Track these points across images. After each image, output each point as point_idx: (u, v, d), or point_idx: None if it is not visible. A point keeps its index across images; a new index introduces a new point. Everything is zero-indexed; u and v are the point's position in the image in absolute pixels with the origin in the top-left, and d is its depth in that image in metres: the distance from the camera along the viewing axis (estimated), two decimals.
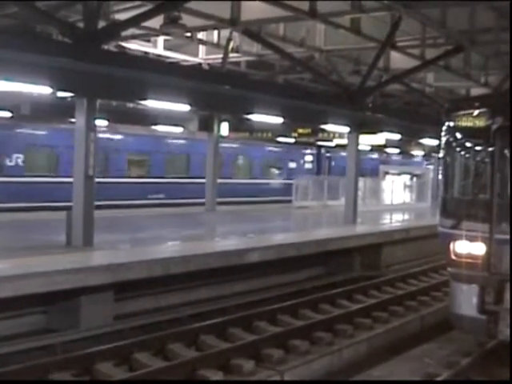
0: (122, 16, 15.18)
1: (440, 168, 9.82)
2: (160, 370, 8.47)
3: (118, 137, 26.60)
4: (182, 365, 8.71)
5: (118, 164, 26.07)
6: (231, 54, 19.11)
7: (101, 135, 19.61)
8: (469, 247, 8.63)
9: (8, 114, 21.93)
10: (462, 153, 9.19)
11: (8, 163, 22.21)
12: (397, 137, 25.17)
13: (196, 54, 20.58)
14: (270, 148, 34.97)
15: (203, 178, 22.22)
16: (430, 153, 39.61)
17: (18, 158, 22.44)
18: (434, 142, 26.25)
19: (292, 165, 36.18)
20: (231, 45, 18.55)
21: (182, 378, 8.37)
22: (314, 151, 38.14)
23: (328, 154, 38.96)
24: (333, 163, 39.04)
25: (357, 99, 19.02)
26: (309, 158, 38.02)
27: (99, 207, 13.51)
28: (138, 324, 11.17)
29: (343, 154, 31.11)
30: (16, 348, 9.50)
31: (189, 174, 28.93)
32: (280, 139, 33.78)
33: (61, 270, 10.14)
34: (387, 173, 34.37)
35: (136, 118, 25.61)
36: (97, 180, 12.78)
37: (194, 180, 26.94)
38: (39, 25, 16.50)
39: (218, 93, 15.13)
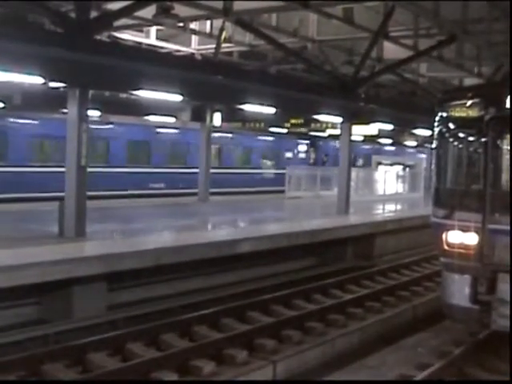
0: (114, 6, 15.08)
1: (433, 158, 9.82)
2: (153, 360, 8.46)
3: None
4: (175, 355, 8.71)
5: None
6: (224, 44, 19.04)
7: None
8: (461, 237, 8.64)
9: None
10: (455, 143, 9.19)
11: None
12: (390, 127, 25.16)
13: (189, 44, 20.48)
14: None
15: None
16: (422, 143, 39.73)
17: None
18: (427, 132, 26.26)
19: None
20: (224, 35, 18.49)
21: (174, 368, 8.35)
22: None
23: None
24: None
25: (350, 89, 18.99)
26: None
27: None
28: (131, 314, 11.16)
29: None
30: (9, 339, 9.46)
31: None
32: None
33: (53, 261, 10.13)
34: (380, 163, 34.42)
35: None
36: None
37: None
38: (31, 14, 16.38)
39: (210, 83, 15.09)
